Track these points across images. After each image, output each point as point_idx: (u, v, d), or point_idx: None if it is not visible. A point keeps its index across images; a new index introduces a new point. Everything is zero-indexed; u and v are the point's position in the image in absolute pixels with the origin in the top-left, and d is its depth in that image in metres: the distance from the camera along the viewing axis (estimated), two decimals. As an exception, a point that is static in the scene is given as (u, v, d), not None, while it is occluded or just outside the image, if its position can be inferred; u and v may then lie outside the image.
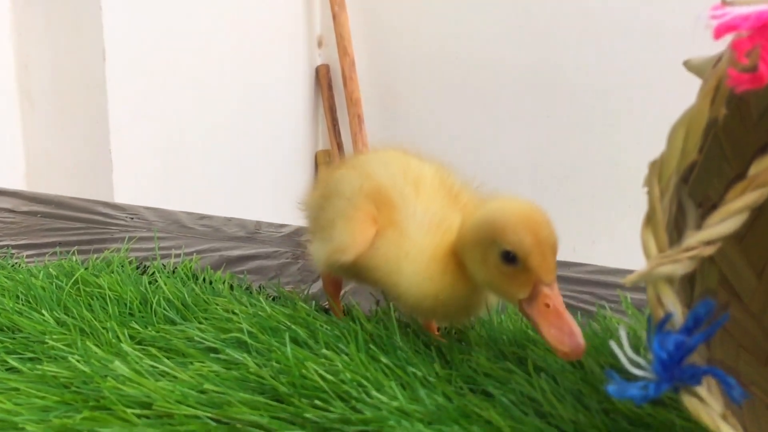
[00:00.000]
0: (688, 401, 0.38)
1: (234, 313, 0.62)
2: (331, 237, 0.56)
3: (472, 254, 0.50)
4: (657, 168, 0.39)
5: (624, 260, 0.83)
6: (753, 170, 0.37)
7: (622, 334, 0.39)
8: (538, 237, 0.47)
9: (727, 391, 0.36)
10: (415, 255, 0.53)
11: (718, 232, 0.38)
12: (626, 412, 0.48)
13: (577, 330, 0.46)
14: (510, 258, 0.48)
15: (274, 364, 0.53)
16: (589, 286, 0.77)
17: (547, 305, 0.47)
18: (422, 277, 0.53)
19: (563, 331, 0.46)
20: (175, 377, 0.53)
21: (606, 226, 1.83)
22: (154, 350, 0.56)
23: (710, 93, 0.37)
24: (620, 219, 1.78)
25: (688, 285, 0.45)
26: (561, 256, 0.87)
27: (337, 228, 0.56)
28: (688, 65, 0.42)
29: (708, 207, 0.44)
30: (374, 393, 0.49)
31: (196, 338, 0.58)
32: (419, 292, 0.53)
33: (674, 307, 0.38)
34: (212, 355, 0.56)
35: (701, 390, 0.38)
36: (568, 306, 0.70)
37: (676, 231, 0.41)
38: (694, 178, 0.42)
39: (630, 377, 0.39)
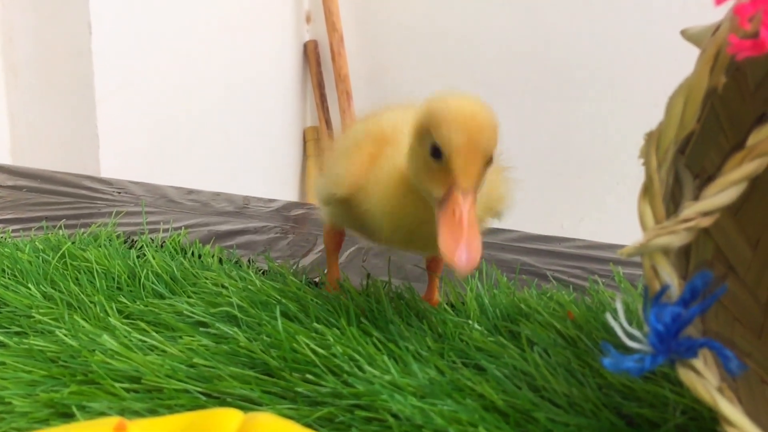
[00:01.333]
0: (684, 374, 0.37)
1: (223, 287, 0.61)
2: (330, 172, 0.56)
3: (412, 143, 0.49)
4: (654, 138, 0.39)
5: (612, 237, 0.83)
6: (751, 140, 0.37)
7: (618, 306, 0.38)
8: (468, 137, 0.45)
9: (724, 363, 0.36)
10: (380, 177, 0.52)
11: (716, 202, 0.37)
12: (619, 387, 0.48)
13: (474, 245, 0.44)
14: (436, 152, 0.46)
15: (265, 338, 0.52)
16: (580, 260, 0.77)
17: (454, 212, 0.45)
18: (383, 196, 0.52)
19: (457, 242, 0.44)
20: (164, 351, 0.52)
21: (593, 203, 1.83)
22: (142, 324, 0.56)
23: (710, 61, 0.36)
24: (608, 195, 1.78)
25: (683, 257, 0.44)
26: (549, 231, 0.88)
27: (338, 165, 0.55)
28: (686, 34, 0.42)
29: (704, 179, 0.43)
30: (366, 367, 0.49)
31: (186, 312, 0.57)
32: (381, 213, 0.52)
33: (671, 279, 0.38)
34: (202, 329, 0.56)
35: (697, 363, 0.37)
36: (559, 280, 0.70)
37: (673, 202, 0.41)
38: (691, 149, 0.42)
39: (624, 350, 0.38)
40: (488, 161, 0.46)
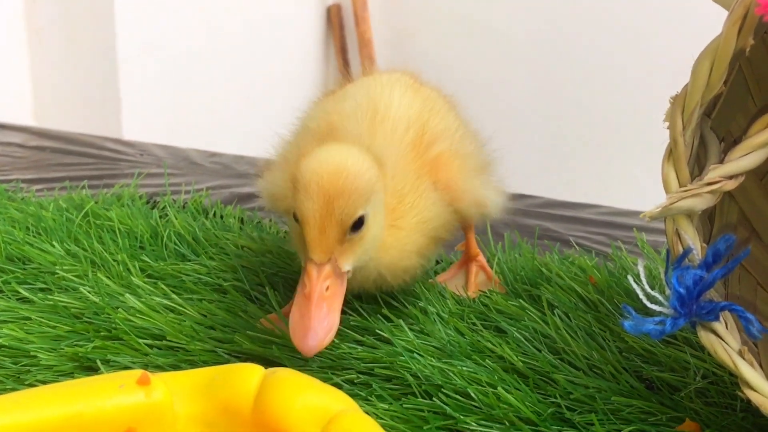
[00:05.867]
0: (705, 337, 0.37)
1: (244, 248, 0.62)
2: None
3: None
4: (680, 101, 0.38)
5: (638, 205, 0.82)
6: (779, 103, 0.36)
7: (641, 269, 0.38)
8: (319, 206, 0.41)
9: (745, 327, 0.36)
10: None
11: (741, 166, 0.37)
12: (639, 351, 0.48)
13: (323, 325, 0.40)
14: (296, 217, 0.42)
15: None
16: (603, 227, 0.77)
17: (305, 286, 0.41)
18: None
19: (303, 322, 0.40)
20: (184, 312, 0.53)
21: (619, 171, 1.82)
22: (163, 285, 0.56)
23: (737, 22, 0.36)
24: (634, 164, 1.77)
25: (707, 221, 0.44)
26: (574, 198, 0.87)
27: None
28: (715, -5, 0.41)
29: (730, 143, 0.43)
30: (386, 328, 0.49)
31: (208, 276, 0.58)
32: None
33: (693, 242, 0.38)
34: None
35: (718, 326, 0.37)
36: (582, 246, 0.70)
37: (698, 166, 0.40)
38: (718, 111, 0.41)
39: (646, 314, 0.38)
40: (350, 228, 0.42)
